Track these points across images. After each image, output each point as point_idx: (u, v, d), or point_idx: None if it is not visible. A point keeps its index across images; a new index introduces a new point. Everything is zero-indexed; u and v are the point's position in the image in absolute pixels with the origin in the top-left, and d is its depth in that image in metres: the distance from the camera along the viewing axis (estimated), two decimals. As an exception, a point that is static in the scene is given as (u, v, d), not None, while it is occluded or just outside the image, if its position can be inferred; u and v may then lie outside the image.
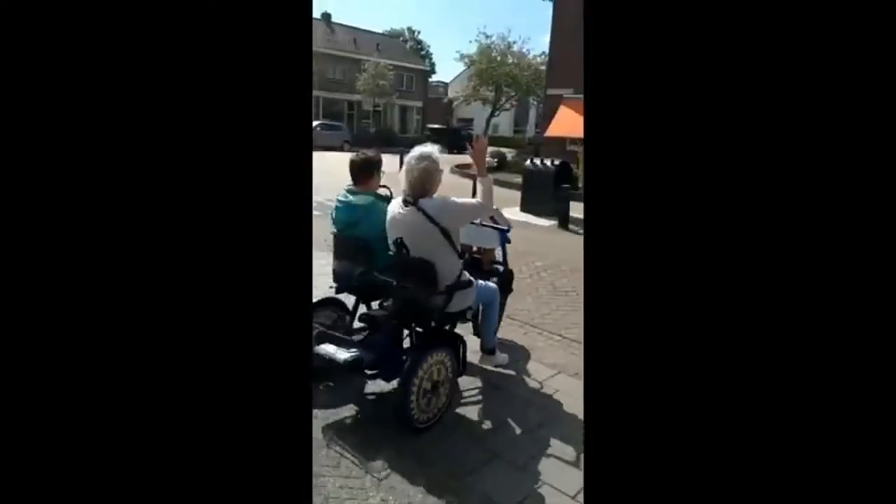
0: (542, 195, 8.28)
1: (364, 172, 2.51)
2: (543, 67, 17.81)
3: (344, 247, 2.52)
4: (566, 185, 7.85)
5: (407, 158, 2.25)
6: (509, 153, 17.16)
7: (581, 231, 7.15)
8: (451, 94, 39.58)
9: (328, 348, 2.20)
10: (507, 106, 20.26)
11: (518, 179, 12.34)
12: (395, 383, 2.24)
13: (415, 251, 2.16)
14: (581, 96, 10.79)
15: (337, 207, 2.53)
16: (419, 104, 32.23)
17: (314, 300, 2.56)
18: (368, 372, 2.25)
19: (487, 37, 17.72)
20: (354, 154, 2.61)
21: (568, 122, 12.90)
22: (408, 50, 33.16)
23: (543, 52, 17.45)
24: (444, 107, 37.42)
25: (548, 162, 8.60)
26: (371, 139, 23.75)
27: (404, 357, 2.23)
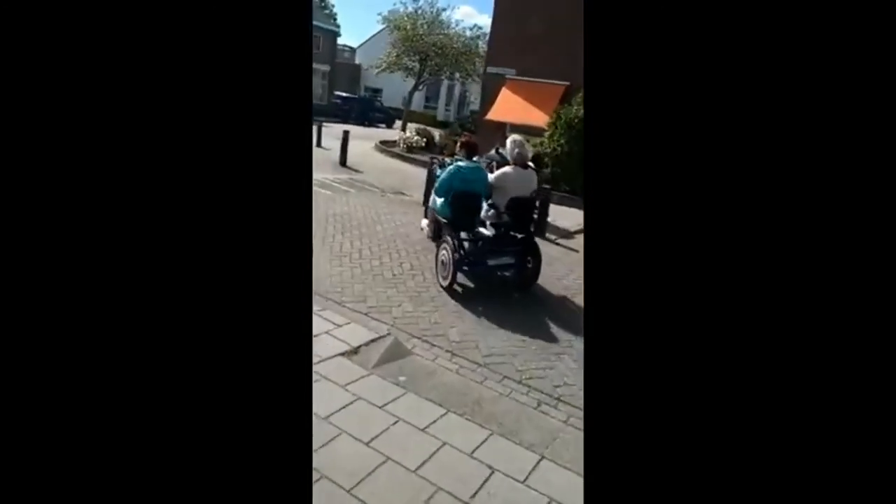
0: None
1: (473, 150, 4.48)
2: (473, 42, 16.47)
3: (463, 199, 4.09)
4: (546, 186, 6.75)
5: (515, 140, 4.46)
6: (436, 133, 15.76)
7: (559, 240, 6.15)
8: (359, 61, 37.00)
9: (496, 259, 4.16)
10: (432, 80, 18.64)
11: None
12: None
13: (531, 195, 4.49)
14: (525, 78, 9.91)
15: (464, 171, 4.16)
16: (326, 68, 29.32)
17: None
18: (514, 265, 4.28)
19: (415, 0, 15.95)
20: (467, 137, 4.93)
21: (509, 106, 11.77)
22: (315, 4, 29.83)
23: (476, 25, 16.02)
24: (351, 73, 34.78)
25: (517, 155, 7.38)
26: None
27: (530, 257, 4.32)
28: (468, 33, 16.57)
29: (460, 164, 4.24)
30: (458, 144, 4.50)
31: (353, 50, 37.34)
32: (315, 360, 2.57)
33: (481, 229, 4.27)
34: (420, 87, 18.13)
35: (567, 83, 10.86)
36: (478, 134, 12.96)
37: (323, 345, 2.80)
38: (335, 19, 32.42)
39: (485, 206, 4.31)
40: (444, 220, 4.22)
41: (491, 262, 4.14)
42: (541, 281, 4.47)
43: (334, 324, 3.08)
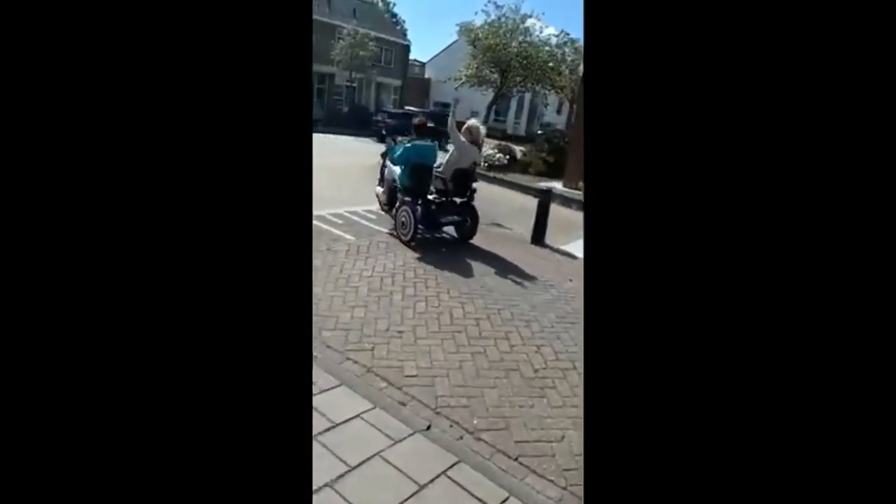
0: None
1: (425, 130, 5.41)
2: (559, 50, 15.10)
3: (419, 169, 5.10)
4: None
5: (472, 124, 5.64)
6: (517, 149, 14.49)
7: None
8: (428, 74, 36.51)
9: (446, 218, 5.41)
10: (513, 93, 17.40)
11: (557, 186, 9.72)
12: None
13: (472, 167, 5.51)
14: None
15: (419, 147, 5.17)
16: (398, 83, 28.90)
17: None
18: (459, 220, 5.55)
19: (498, 7, 14.82)
20: (419, 119, 5.62)
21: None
22: (387, 20, 29.57)
23: (563, 31, 14.67)
24: (422, 87, 34.30)
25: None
26: (345, 119, 20.64)
27: (468, 217, 5.54)
28: (553, 41, 15.23)
29: (416, 142, 5.21)
30: (413, 127, 5.37)
31: (422, 64, 36.96)
32: None
33: (429, 197, 5.24)
34: (499, 101, 16.92)
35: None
36: (570, 150, 11.58)
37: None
38: (406, 34, 32.08)
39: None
40: (401, 188, 5.19)
41: (443, 220, 5.38)
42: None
43: None
